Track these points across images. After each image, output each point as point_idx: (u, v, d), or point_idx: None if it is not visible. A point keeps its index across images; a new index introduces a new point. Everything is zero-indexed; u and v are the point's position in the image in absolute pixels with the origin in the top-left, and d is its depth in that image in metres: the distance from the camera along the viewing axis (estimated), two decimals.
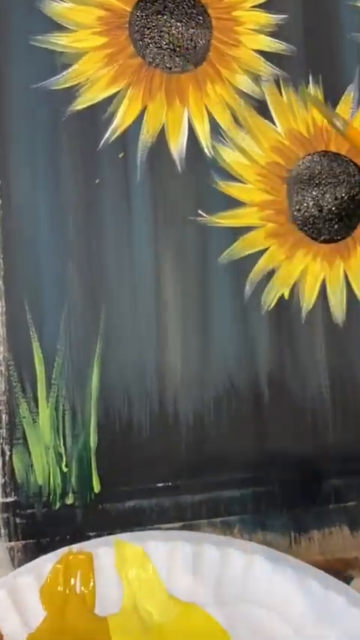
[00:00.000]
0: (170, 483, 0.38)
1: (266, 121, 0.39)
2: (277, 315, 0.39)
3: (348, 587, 0.35)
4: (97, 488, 0.37)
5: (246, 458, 0.38)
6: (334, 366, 0.40)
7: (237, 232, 0.39)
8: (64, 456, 0.37)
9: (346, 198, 0.40)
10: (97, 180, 0.38)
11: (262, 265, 0.39)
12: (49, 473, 0.37)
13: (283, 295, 0.39)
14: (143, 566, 0.36)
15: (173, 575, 0.35)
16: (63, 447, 0.37)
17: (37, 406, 0.37)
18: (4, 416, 0.37)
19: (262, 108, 0.39)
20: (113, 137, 0.38)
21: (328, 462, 0.40)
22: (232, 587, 0.35)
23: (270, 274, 0.39)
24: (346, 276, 0.40)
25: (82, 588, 0.35)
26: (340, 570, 0.39)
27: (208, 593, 0.35)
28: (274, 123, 0.39)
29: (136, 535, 0.36)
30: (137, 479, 0.38)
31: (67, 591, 0.35)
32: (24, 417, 0.37)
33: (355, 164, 0.40)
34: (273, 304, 0.39)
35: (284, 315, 0.39)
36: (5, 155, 0.37)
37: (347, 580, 0.39)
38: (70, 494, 0.37)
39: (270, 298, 0.39)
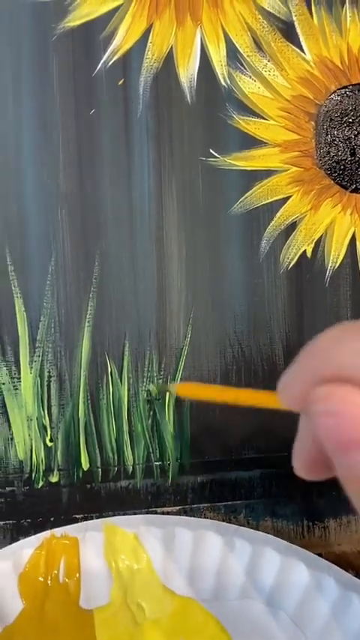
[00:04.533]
0: (169, 462, 0.34)
1: (293, 46, 0.33)
2: (298, 275, 0.34)
3: None
4: (85, 465, 0.33)
5: (255, 436, 0.34)
6: None
7: (254, 177, 0.34)
8: (49, 428, 0.33)
9: None
10: (92, 111, 0.32)
11: (282, 217, 0.34)
12: (32, 447, 0.33)
13: (305, 252, 0.34)
14: (136, 554, 0.32)
15: (169, 566, 0.32)
16: (48, 419, 0.33)
17: (18, 372, 0.32)
18: None
19: (288, 31, 0.34)
20: (112, 60, 0.32)
21: None
22: (235, 582, 0.32)
23: (291, 227, 0.34)
24: None
25: (66, 578, 0.31)
26: (357, 564, 0.35)
27: (207, 587, 0.32)
28: (302, 49, 0.34)
29: (129, 519, 0.33)
30: (131, 456, 0.33)
31: (49, 580, 0.31)
32: (3, 384, 0.32)
33: None
34: (293, 262, 0.34)
35: (305, 274, 0.34)
36: None
37: None
38: (55, 472, 0.33)
39: (290, 255, 0.34)
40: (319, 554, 0.35)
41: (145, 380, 0.33)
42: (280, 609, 0.31)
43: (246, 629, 0.31)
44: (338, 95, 0.34)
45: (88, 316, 0.33)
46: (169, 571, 0.32)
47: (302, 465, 0.20)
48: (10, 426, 0.33)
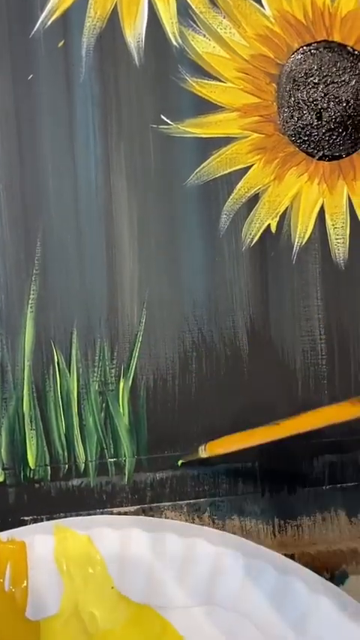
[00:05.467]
0: (124, 458, 0.31)
1: (251, 0, 0.31)
2: (262, 252, 0.31)
3: (340, 592, 0.28)
4: (32, 463, 0.31)
5: (219, 427, 0.31)
6: (332, 316, 0.32)
7: (211, 145, 0.31)
8: None
9: (352, 102, 0.31)
10: (30, 77, 0.30)
11: (242, 188, 0.31)
12: None
13: (269, 227, 0.31)
14: (89, 558, 0.29)
15: (125, 571, 0.29)
16: None
17: None
18: None
19: None
20: (50, 20, 0.30)
21: (321, 433, 0.32)
22: (196, 587, 0.29)
23: (253, 200, 0.31)
24: (350, 203, 0.32)
25: (12, 586, 0.29)
26: (332, 566, 0.32)
27: (166, 592, 0.29)
28: (261, 4, 0.31)
29: (82, 520, 0.30)
30: (82, 452, 0.31)
31: None
32: None
33: None
34: (256, 238, 0.31)
35: (270, 251, 0.31)
36: None
37: (341, 578, 0.32)
38: (0, 471, 0.30)
39: (252, 230, 0.31)
40: (292, 555, 0.32)
41: (96, 370, 0.31)
42: (244, 616, 0.29)
43: (206, 638, 0.28)
44: (301, 54, 0.31)
45: (30, 301, 0.30)
46: (125, 576, 0.29)
47: None
48: None
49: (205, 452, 0.30)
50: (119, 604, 0.29)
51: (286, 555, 0.29)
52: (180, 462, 0.32)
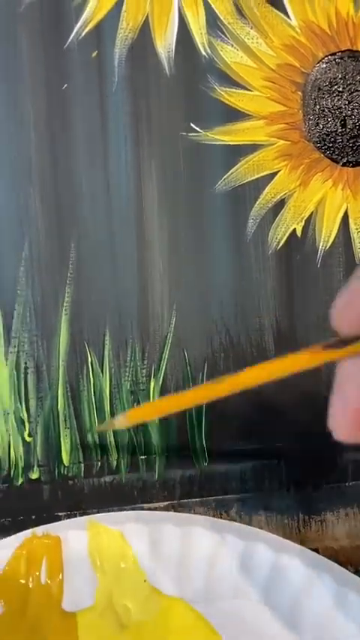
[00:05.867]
0: (155, 456, 0.32)
1: (277, 11, 0.31)
2: (287, 256, 0.32)
3: None
4: (66, 460, 0.32)
5: (246, 426, 0.32)
6: None
7: (239, 152, 0.32)
8: (27, 422, 0.31)
9: None
10: (64, 86, 0.30)
11: (269, 194, 0.32)
12: (9, 443, 0.31)
13: (294, 231, 0.32)
14: (122, 553, 0.31)
15: (157, 565, 0.30)
16: (25, 412, 0.31)
17: None
18: None
19: None
20: (85, 31, 0.30)
21: None
22: (226, 580, 0.30)
23: (279, 205, 0.32)
24: None
25: (48, 579, 0.30)
26: (355, 561, 0.33)
27: (197, 586, 0.30)
28: (287, 14, 0.32)
29: (114, 516, 0.31)
30: (115, 450, 0.32)
31: (30, 582, 0.30)
32: None
33: None
34: (282, 242, 0.32)
35: (295, 255, 0.32)
36: None
37: None
38: (35, 468, 0.32)
39: (278, 235, 0.32)
40: (316, 550, 0.33)
41: (127, 370, 0.32)
42: (274, 609, 0.29)
43: (238, 630, 0.29)
44: (326, 63, 0.32)
45: (65, 304, 0.31)
46: (157, 570, 0.30)
47: (346, 423, 0.17)
48: None
49: (124, 420, 0.24)
50: (151, 597, 0.30)
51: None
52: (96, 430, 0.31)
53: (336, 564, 0.30)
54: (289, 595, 0.29)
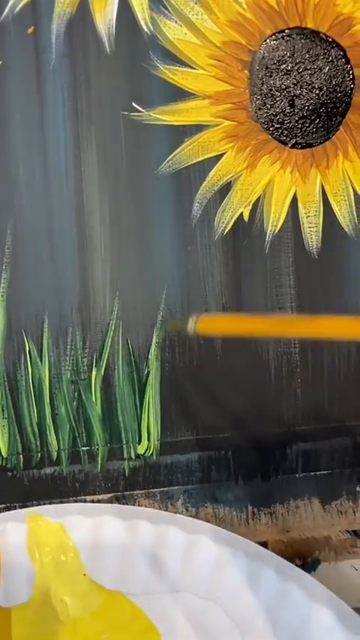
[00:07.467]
0: (97, 447, 0.31)
1: None
2: (234, 241, 0.31)
3: (311, 579, 0.28)
4: (4, 451, 0.31)
5: (192, 416, 0.31)
6: (305, 304, 0.32)
7: (183, 132, 0.31)
8: None
9: (325, 89, 0.31)
10: None
11: (215, 176, 0.31)
12: None
13: (241, 215, 0.31)
14: (62, 546, 0.30)
15: (98, 558, 0.29)
16: None
17: None
18: None
19: None
20: (20, 5, 0.29)
21: (295, 421, 0.32)
22: (169, 574, 0.29)
23: (225, 188, 0.31)
24: (323, 192, 0.31)
25: None
26: (304, 553, 0.32)
27: (138, 579, 0.29)
28: None
29: (55, 508, 0.30)
30: (55, 441, 0.31)
31: None
32: None
33: (338, 44, 0.31)
34: (229, 227, 0.31)
35: (243, 240, 0.31)
36: None
37: (313, 565, 0.32)
38: None
39: (225, 219, 0.31)
40: (266, 542, 0.32)
41: (68, 358, 0.31)
42: (215, 603, 0.29)
43: (177, 624, 0.29)
44: (274, 40, 0.31)
45: (1, 290, 0.30)
46: (98, 563, 0.29)
47: None
48: None
49: (194, 327, 0.26)
50: (91, 591, 0.29)
51: (259, 543, 0.30)
52: (168, 329, 0.30)
53: (280, 557, 0.29)
54: (230, 588, 0.29)
